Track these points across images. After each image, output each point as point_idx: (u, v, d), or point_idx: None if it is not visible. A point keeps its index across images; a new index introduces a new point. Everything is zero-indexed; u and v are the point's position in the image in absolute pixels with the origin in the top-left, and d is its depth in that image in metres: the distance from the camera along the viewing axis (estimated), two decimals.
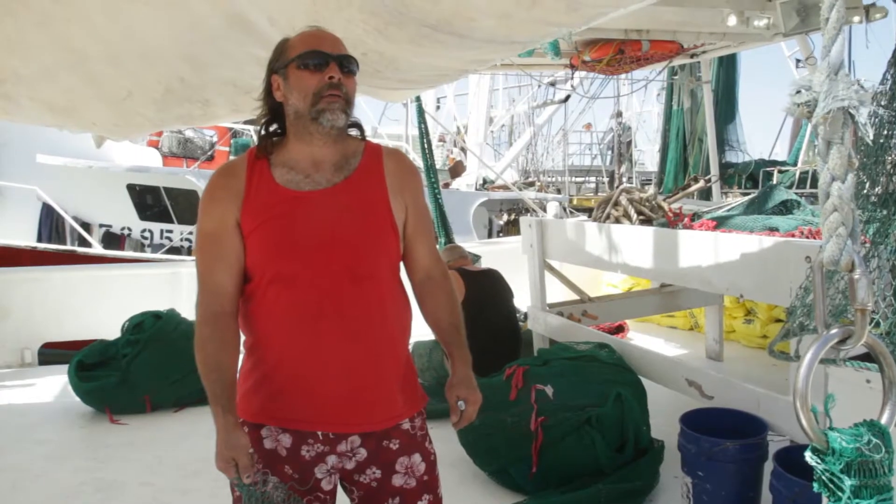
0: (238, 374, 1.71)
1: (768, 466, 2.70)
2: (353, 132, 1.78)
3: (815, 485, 0.95)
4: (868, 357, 1.05)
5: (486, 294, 4.39)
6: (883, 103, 1.68)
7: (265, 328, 1.68)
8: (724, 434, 2.81)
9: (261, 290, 1.67)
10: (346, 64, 1.67)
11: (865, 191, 1.71)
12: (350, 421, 1.70)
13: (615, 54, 4.63)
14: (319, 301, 1.63)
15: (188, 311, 1.72)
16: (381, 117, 18.49)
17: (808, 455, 0.95)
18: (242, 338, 1.73)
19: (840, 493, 0.92)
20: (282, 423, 1.70)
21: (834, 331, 0.96)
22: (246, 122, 12.79)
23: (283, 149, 1.72)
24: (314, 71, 1.63)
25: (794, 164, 10.81)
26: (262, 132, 1.75)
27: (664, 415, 3.58)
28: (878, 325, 1.60)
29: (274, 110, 1.73)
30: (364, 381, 1.69)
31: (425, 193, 1.87)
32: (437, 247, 1.93)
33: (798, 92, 0.97)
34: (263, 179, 1.68)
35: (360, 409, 1.70)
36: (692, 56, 5.49)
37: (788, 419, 2.87)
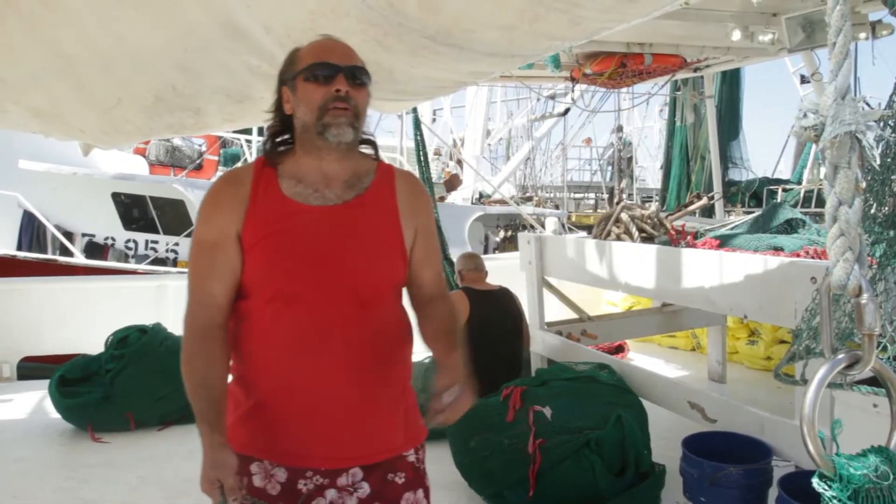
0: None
1: (772, 492, 2.65)
2: (367, 150, 1.71)
3: None
4: (875, 381, 1.06)
5: (490, 316, 4.32)
6: (892, 123, 1.65)
7: (261, 351, 1.59)
8: (728, 458, 2.77)
9: (258, 309, 1.58)
10: (357, 75, 1.59)
11: (873, 211, 1.68)
12: (351, 454, 1.61)
13: (617, 67, 4.60)
14: (322, 324, 1.55)
15: (174, 326, 1.64)
16: (375, 128, 18.40)
17: (815, 481, 0.95)
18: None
19: None
20: (276, 458, 1.60)
21: (841, 356, 0.97)
22: (236, 132, 12.71)
23: (293, 160, 1.64)
24: (322, 83, 1.56)
25: (799, 183, 10.80)
26: (269, 144, 1.68)
27: (665, 438, 3.52)
28: (885, 349, 1.57)
29: (284, 122, 1.66)
30: (367, 410, 1.60)
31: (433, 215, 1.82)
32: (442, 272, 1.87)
33: (805, 116, 0.97)
34: (270, 189, 1.60)
35: (361, 441, 1.61)
36: (695, 70, 5.47)
37: (793, 444, 2.83)
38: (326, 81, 1.56)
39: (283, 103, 1.64)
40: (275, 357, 1.57)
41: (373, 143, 1.72)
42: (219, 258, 1.58)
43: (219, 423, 1.52)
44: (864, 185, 0.97)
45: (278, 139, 1.68)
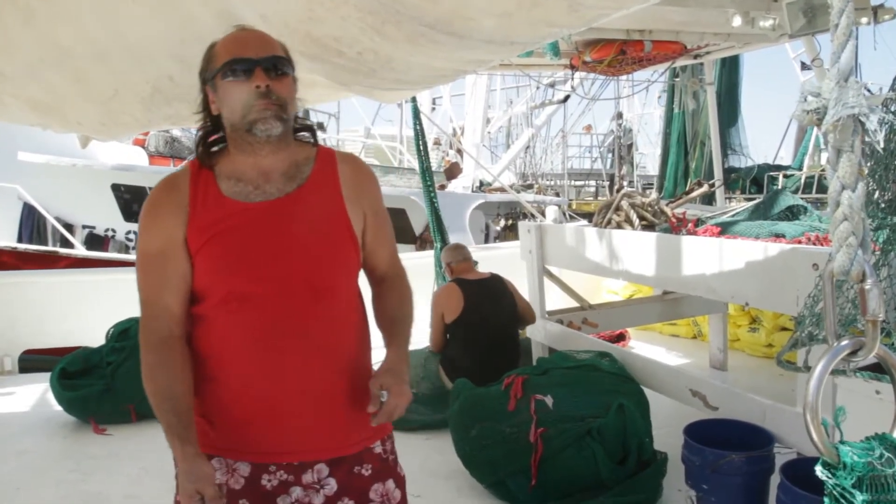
0: None
1: (774, 479, 2.64)
2: (304, 135, 1.67)
3: (826, 500, 0.94)
4: (877, 367, 1.06)
5: (484, 304, 4.31)
6: (893, 109, 1.64)
7: (218, 353, 1.57)
8: (730, 446, 2.76)
9: (212, 311, 1.56)
10: (277, 65, 1.54)
11: (876, 197, 1.68)
12: (316, 447, 1.59)
13: (616, 55, 4.57)
14: (278, 320, 1.53)
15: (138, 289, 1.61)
16: (374, 118, 18.36)
17: (818, 469, 0.94)
18: None
19: None
20: (239, 455, 1.59)
21: (845, 342, 0.96)
22: None
23: (228, 159, 1.60)
24: (240, 80, 1.51)
25: (800, 169, 10.77)
26: (202, 145, 1.62)
27: (667, 426, 3.53)
28: (888, 335, 1.57)
29: (215, 122, 1.61)
30: (331, 403, 1.59)
31: (383, 199, 1.76)
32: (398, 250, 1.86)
33: (807, 99, 0.96)
34: (210, 192, 1.56)
35: (326, 434, 1.59)
36: (695, 57, 5.43)
37: (795, 431, 2.83)
38: (245, 77, 1.50)
39: (209, 103, 1.59)
40: (234, 357, 1.56)
41: (310, 129, 1.68)
42: (168, 268, 1.54)
43: (188, 433, 1.50)
44: (866, 169, 0.97)
45: (210, 139, 1.63)
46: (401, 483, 1.72)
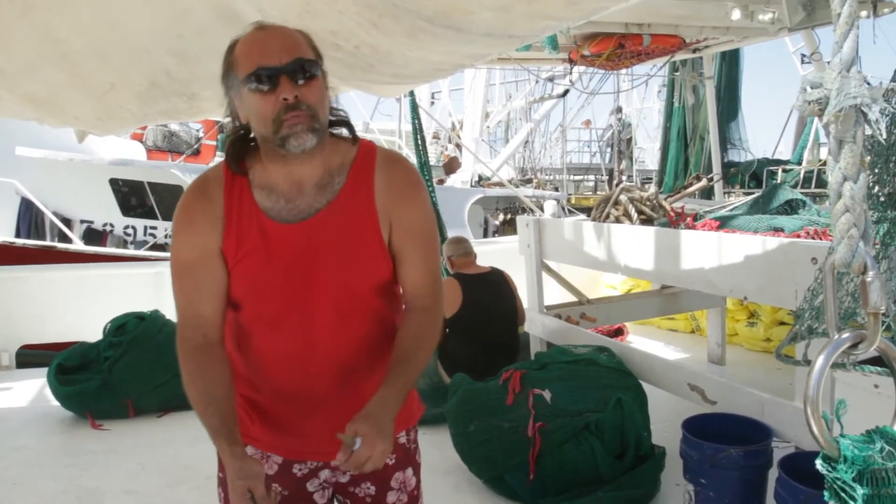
0: None
1: (773, 474, 2.64)
2: (340, 131, 1.58)
3: (826, 494, 0.93)
4: (876, 361, 1.05)
5: (484, 299, 4.32)
6: (894, 101, 1.63)
7: (255, 361, 1.59)
8: (728, 440, 2.76)
9: (247, 325, 1.56)
10: (304, 68, 1.42)
11: (875, 190, 1.67)
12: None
13: (615, 49, 4.56)
14: (306, 340, 1.53)
15: (173, 313, 1.61)
16: (373, 112, 18.28)
17: (818, 463, 0.93)
18: None
19: (852, 503, 0.91)
20: (272, 450, 1.64)
21: (846, 335, 0.95)
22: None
23: (261, 167, 1.53)
24: (266, 93, 1.41)
25: (798, 163, 10.76)
26: (233, 152, 1.54)
27: (665, 420, 3.53)
28: (888, 328, 1.56)
29: (245, 128, 1.53)
30: (356, 408, 1.54)
31: (425, 209, 1.60)
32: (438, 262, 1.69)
33: (808, 89, 0.94)
34: (245, 204, 1.52)
35: None
36: (694, 51, 5.42)
37: (794, 425, 2.84)
38: (270, 87, 1.40)
39: (235, 108, 1.51)
40: (266, 371, 1.58)
41: (347, 123, 1.57)
42: (203, 278, 1.52)
43: (234, 434, 1.46)
44: (868, 161, 0.95)
45: (239, 145, 1.55)
46: (417, 470, 1.77)
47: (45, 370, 4.51)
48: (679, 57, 5.85)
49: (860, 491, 0.90)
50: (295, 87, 1.41)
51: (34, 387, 4.93)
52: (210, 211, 1.51)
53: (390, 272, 1.59)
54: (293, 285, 1.50)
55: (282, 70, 1.40)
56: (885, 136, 0.91)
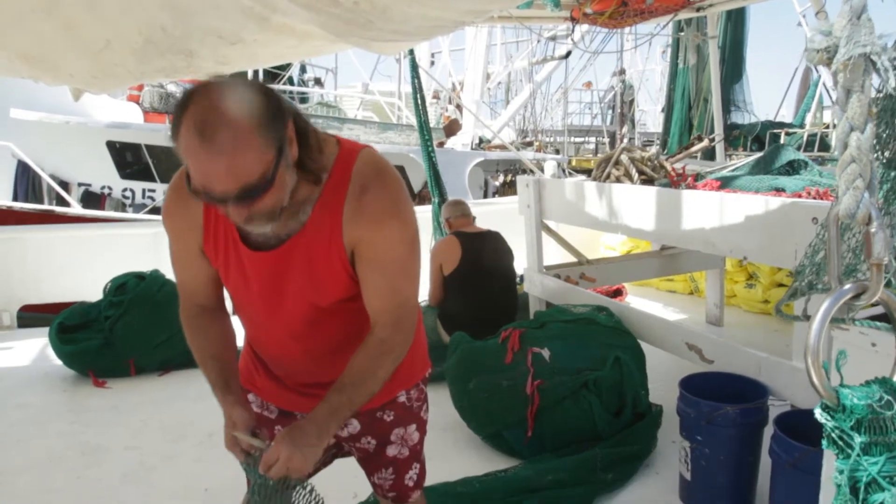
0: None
1: (768, 431, 2.67)
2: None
3: (824, 442, 0.94)
4: (875, 319, 1.05)
5: (483, 257, 4.34)
6: None
7: (250, 334, 1.75)
8: (724, 398, 2.78)
9: (237, 310, 1.71)
10: (250, 195, 1.29)
11: (877, 152, 1.66)
12: None
13: (618, 6, 4.47)
14: (285, 340, 1.65)
15: (172, 272, 1.69)
16: (373, 73, 18.09)
17: (817, 412, 0.93)
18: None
19: (849, 451, 0.91)
20: (270, 399, 1.78)
21: (848, 286, 0.94)
22: (233, 75, 12.41)
23: None
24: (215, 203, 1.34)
25: (801, 126, 10.67)
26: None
27: (663, 379, 3.55)
28: (889, 284, 1.56)
29: None
30: None
31: (394, 238, 1.49)
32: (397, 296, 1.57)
33: (817, 38, 0.92)
34: (220, 220, 1.52)
35: None
36: (698, 10, 5.32)
37: (789, 384, 2.86)
38: (221, 205, 1.32)
39: None
40: (257, 344, 1.74)
41: (312, 171, 1.44)
42: (193, 265, 1.64)
43: (229, 385, 1.60)
44: (875, 112, 0.93)
45: None
46: (422, 426, 1.84)
47: (45, 330, 4.53)
48: (682, 16, 5.75)
49: (858, 439, 0.90)
50: (244, 208, 1.32)
51: (36, 346, 4.97)
52: (189, 217, 1.57)
53: (356, 285, 1.55)
54: (266, 302, 1.59)
55: (227, 199, 1.30)
56: (894, 84, 0.89)
